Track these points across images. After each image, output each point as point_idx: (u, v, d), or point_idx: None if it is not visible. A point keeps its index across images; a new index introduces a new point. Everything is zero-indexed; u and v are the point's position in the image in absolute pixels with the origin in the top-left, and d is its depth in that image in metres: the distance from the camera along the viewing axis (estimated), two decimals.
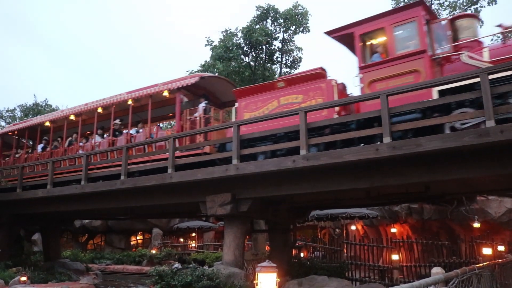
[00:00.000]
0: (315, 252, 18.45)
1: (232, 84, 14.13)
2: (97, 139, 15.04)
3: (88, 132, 16.93)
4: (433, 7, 29.45)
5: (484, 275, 8.99)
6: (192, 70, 29.69)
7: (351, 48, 10.18)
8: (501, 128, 6.65)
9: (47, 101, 45.69)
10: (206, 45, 30.08)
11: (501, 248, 14.98)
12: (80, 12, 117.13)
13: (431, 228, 19.79)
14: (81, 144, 15.52)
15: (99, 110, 14.83)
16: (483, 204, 18.08)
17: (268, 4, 29.40)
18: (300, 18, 29.20)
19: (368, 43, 9.87)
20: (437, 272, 5.78)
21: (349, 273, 15.07)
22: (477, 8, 28.44)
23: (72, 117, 15.66)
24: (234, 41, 28.79)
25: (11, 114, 43.90)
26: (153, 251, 25.34)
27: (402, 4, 29.79)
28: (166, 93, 13.21)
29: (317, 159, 8.40)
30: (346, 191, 10.28)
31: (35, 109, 43.62)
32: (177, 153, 11.28)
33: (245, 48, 28.46)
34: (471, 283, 7.75)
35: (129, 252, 26.34)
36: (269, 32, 28.80)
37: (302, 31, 29.47)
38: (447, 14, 29.47)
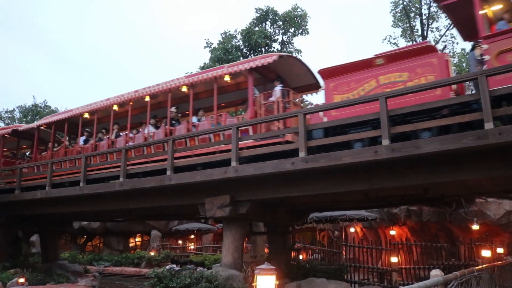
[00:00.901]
0: (314, 255, 18.46)
1: (307, 67, 12.15)
2: (150, 129, 13.46)
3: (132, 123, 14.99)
4: (432, 9, 29.47)
5: (483, 278, 8.99)
6: (191, 72, 29.67)
7: (462, 18, 9.08)
8: (499, 130, 6.67)
9: (46, 102, 45.71)
10: (205, 47, 30.11)
11: (500, 250, 15.00)
12: (81, 13, 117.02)
13: (430, 230, 19.79)
14: (131, 135, 13.98)
15: (147, 98, 13.38)
16: (482, 206, 18.08)
17: (267, 6, 29.44)
18: (299, 20, 29.22)
19: (491, 8, 8.82)
20: (436, 274, 5.78)
21: (348, 276, 15.07)
22: None
23: (115, 107, 14.26)
24: (233, 43, 28.80)
25: (10, 115, 43.86)
26: (152, 253, 25.31)
27: (400, 7, 29.97)
28: (229, 78, 11.76)
29: (316, 161, 8.40)
30: (345, 193, 10.27)
31: (34, 110, 43.61)
32: (249, 143, 10.30)
33: (244, 50, 28.46)
34: (470, 286, 7.75)
35: (128, 254, 26.31)
36: (268, 34, 28.81)
37: (301, 33, 29.49)
38: (445, 17, 29.52)
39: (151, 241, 28.47)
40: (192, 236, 29.35)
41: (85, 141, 15.39)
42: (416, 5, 29.78)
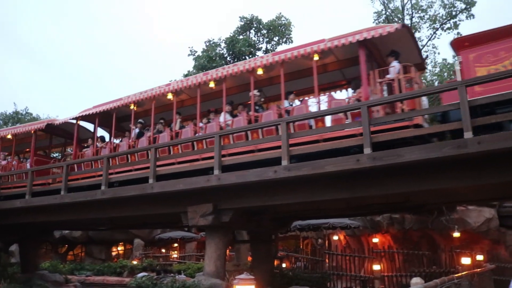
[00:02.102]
0: (297, 263, 18.46)
1: (416, 43, 10.39)
2: (227, 117, 11.55)
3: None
4: (414, 19, 29.99)
5: (463, 285, 9.12)
6: (175, 79, 29.64)
7: None
8: (478, 139, 6.77)
9: (27, 109, 45.15)
10: (189, 54, 30.16)
11: (479, 257, 15.18)
12: (63, 21, 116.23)
13: (412, 238, 19.94)
14: (201, 125, 12.03)
15: (212, 84, 11.78)
16: (463, 214, 18.31)
17: (252, 15, 29.63)
18: (283, 29, 29.47)
19: None
20: (416, 282, 5.87)
21: (331, 284, 15.12)
22: (456, 22, 29.06)
23: (169, 96, 12.58)
24: (217, 51, 28.89)
25: None
26: (134, 262, 25.02)
27: (383, 17, 30.38)
28: (317, 57, 10.10)
29: (299, 170, 8.42)
30: (328, 202, 10.30)
31: (15, 117, 43.02)
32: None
33: (228, 58, 28.54)
34: None
35: (110, 263, 25.95)
36: (252, 42, 28.96)
37: (285, 42, 29.73)
38: (427, 27, 30.04)
39: (134, 249, 28.17)
40: (176, 245, 29.11)
41: (139, 134, 13.49)
42: (399, 15, 30.23)
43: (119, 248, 31.15)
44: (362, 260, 17.35)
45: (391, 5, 31.18)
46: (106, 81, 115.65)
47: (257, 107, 11.10)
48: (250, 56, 28.17)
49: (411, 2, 30.47)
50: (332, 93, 11.49)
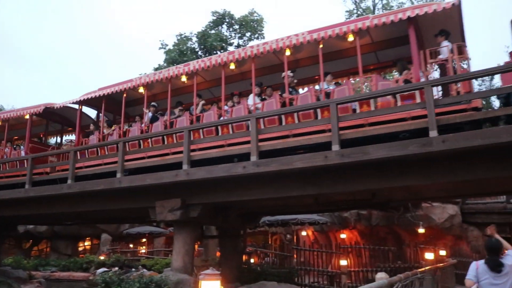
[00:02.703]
0: (266, 258, 18.55)
1: (462, 24, 9.30)
2: (256, 100, 10.48)
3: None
4: None
5: (426, 279, 9.34)
6: (145, 73, 29.30)
7: None
8: (443, 138, 6.92)
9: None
10: (160, 48, 29.84)
11: (442, 252, 15.57)
12: (38, 13, 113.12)
13: (379, 234, 20.32)
14: (226, 108, 10.93)
15: (234, 65, 10.87)
16: (427, 211, 18.76)
17: (224, 9, 29.50)
18: (255, 25, 29.44)
19: None
20: (381, 277, 5.96)
21: (298, 279, 15.23)
22: None
23: (183, 78, 11.66)
24: (188, 45, 28.66)
25: None
26: (102, 257, 24.68)
27: (355, 16, 30.72)
28: (352, 37, 9.41)
29: (267, 166, 8.45)
30: (296, 197, 10.38)
31: None
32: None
33: (199, 53, 28.36)
34: (414, 287, 8.03)
35: (76, 259, 25.50)
36: (224, 37, 28.85)
37: (257, 38, 29.71)
38: None
39: (101, 245, 27.77)
40: (144, 240, 28.86)
41: (153, 118, 12.29)
42: (370, 15, 30.66)
43: (86, 243, 30.65)
44: (329, 256, 17.56)
45: (362, 4, 31.60)
46: (76, 72, 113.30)
47: (291, 89, 10.25)
48: (222, 51, 28.08)
49: (381, 2, 30.94)
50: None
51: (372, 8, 30.78)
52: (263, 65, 11.22)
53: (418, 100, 8.08)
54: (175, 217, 10.21)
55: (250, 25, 29.26)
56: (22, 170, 13.43)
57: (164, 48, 29.59)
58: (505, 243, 6.15)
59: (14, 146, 15.97)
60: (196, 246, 18.78)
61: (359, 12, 30.91)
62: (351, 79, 11.22)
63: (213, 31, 28.89)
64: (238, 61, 10.58)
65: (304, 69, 11.24)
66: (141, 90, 12.35)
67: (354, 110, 8.93)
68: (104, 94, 12.53)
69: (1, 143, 15.56)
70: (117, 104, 13.00)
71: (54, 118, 15.57)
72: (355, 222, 20.16)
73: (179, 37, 29.52)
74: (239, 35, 29.68)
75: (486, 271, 5.63)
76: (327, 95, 9.42)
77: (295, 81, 10.97)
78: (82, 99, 13.23)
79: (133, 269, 14.97)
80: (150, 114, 12.36)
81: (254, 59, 10.43)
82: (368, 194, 10.31)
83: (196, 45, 28.79)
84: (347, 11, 31.54)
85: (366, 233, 20.54)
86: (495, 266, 5.59)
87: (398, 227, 19.64)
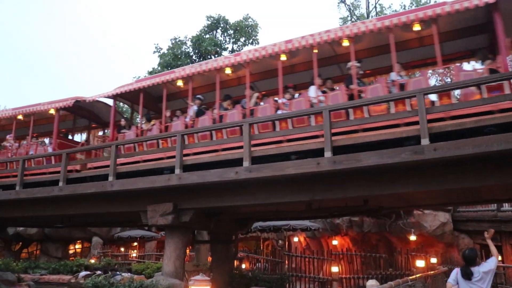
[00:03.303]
0: (257, 264, 18.52)
1: None
2: (318, 93, 9.47)
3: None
4: None
5: (417, 286, 9.36)
6: (139, 77, 29.27)
7: None
8: (434, 146, 6.95)
9: None
10: (154, 52, 29.82)
11: (433, 260, 15.63)
12: (26, 10, 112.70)
13: (370, 241, 20.33)
14: (283, 100, 9.91)
15: (297, 52, 9.92)
16: (419, 218, 18.81)
17: (219, 14, 29.58)
18: (250, 30, 29.52)
19: None
20: (371, 284, 5.99)
21: (290, 285, 15.23)
22: None
23: (228, 70, 10.89)
24: (183, 49, 28.68)
25: None
26: (92, 261, 24.52)
27: (349, 23, 30.88)
28: (419, 27, 8.80)
29: (260, 171, 8.45)
30: (288, 203, 10.39)
31: None
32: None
33: (193, 57, 28.38)
34: None
35: (66, 262, 25.31)
36: (219, 42, 28.90)
37: (252, 43, 29.80)
38: None
39: (92, 248, 27.61)
40: (135, 244, 28.73)
41: (199, 112, 11.34)
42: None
43: (76, 246, 30.44)
44: (321, 262, 17.56)
45: (356, 12, 31.77)
46: (63, 75, 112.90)
47: (358, 81, 9.36)
48: (216, 55, 28.12)
49: (375, 10, 31.13)
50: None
51: (366, 15, 30.95)
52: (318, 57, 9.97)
53: (507, 91, 7.32)
54: (167, 222, 10.16)
55: (245, 31, 29.34)
56: (51, 167, 12.73)
57: (159, 52, 29.60)
58: (493, 250, 6.96)
59: (40, 142, 14.96)
60: (187, 250, 18.71)
61: (353, 20, 31.05)
62: (428, 70, 10.48)
63: (207, 36, 28.94)
64: (291, 52, 9.87)
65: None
66: (180, 83, 11.69)
67: (433, 103, 8.09)
68: (142, 86, 11.85)
69: (25, 139, 14.84)
70: (151, 99, 12.52)
71: (82, 113, 14.76)
72: (347, 228, 20.17)
73: (173, 41, 29.54)
74: (234, 40, 29.74)
75: (460, 277, 6.56)
76: (401, 86, 8.64)
77: (361, 71, 9.81)
78: (116, 92, 12.38)
79: (118, 273, 14.88)
80: (195, 108, 11.38)
81: (309, 51, 9.70)
82: (360, 201, 10.33)
83: (190, 49, 28.82)
84: (341, 18, 31.68)
85: (357, 240, 20.56)
86: (465, 274, 6.48)
87: (389, 234, 19.67)
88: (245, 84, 10.59)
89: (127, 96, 12.78)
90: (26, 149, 14.10)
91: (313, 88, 9.59)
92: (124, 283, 9.83)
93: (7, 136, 14.57)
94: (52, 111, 13.65)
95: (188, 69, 11.24)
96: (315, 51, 9.50)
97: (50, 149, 13.71)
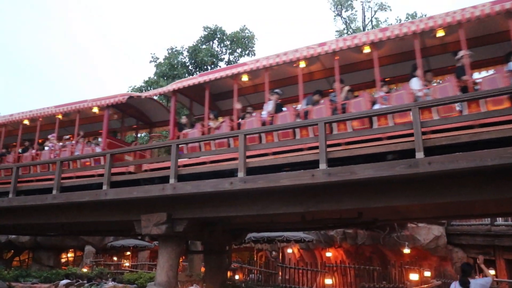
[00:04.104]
0: (251, 275, 18.43)
1: None
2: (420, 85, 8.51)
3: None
4: None
5: None
6: (135, 86, 29.28)
7: None
8: (429, 160, 6.97)
9: None
10: (150, 61, 29.89)
11: (427, 273, 15.60)
12: (29, 18, 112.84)
13: (364, 253, 20.31)
14: (380, 94, 8.91)
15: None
16: (413, 231, 18.82)
17: (216, 25, 29.69)
18: (246, 42, 29.66)
19: None
20: None
21: None
22: None
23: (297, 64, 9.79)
24: (179, 59, 28.75)
25: None
26: (84, 270, 24.36)
27: (345, 35, 31.11)
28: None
29: (255, 182, 8.44)
30: (282, 215, 10.35)
31: None
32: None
33: (190, 67, 28.45)
34: None
35: (58, 270, 25.13)
36: (215, 53, 29.01)
37: (248, 54, 29.93)
38: None
39: (85, 257, 27.44)
40: (128, 253, 28.56)
41: (278, 107, 10.26)
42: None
43: (69, 255, 30.25)
44: (314, 274, 17.50)
45: (352, 25, 31.99)
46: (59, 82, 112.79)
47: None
48: (213, 66, 28.21)
49: (371, 23, 31.38)
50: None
51: (362, 28, 31.18)
52: (402, 50, 9.58)
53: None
54: (160, 231, 10.12)
55: (241, 42, 29.47)
56: (100, 168, 11.63)
57: (155, 62, 29.65)
58: (487, 273, 8.33)
59: (88, 142, 13.87)
60: (180, 261, 18.61)
61: (349, 32, 31.26)
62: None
63: (204, 46, 29.03)
64: (374, 43, 8.97)
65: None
66: (245, 78, 10.83)
67: (461, 112, 7.95)
68: (209, 79, 10.88)
69: (70, 139, 14.03)
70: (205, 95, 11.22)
71: (130, 111, 13.73)
72: (341, 240, 20.14)
73: (170, 51, 29.62)
74: (230, 51, 29.85)
75: (459, 287, 7.83)
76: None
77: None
78: (178, 87, 11.38)
79: (103, 281, 14.79)
80: (272, 103, 10.20)
81: (392, 42, 9.08)
82: (355, 213, 10.33)
83: (187, 60, 28.89)
84: (337, 31, 31.88)
85: (351, 252, 20.53)
86: (463, 284, 7.77)
87: (383, 246, 19.66)
88: (326, 78, 10.34)
89: (187, 92, 11.73)
90: (71, 150, 13.06)
91: (416, 80, 8.70)
92: None
93: (49, 136, 13.90)
94: (95, 110, 12.78)
95: (265, 61, 10.13)
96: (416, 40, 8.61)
97: (98, 150, 12.58)
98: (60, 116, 13.37)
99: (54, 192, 11.52)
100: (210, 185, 8.98)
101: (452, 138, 7.37)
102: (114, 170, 11.00)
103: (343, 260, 19.17)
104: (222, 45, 29.88)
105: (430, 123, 7.67)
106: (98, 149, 12.52)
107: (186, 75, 27.89)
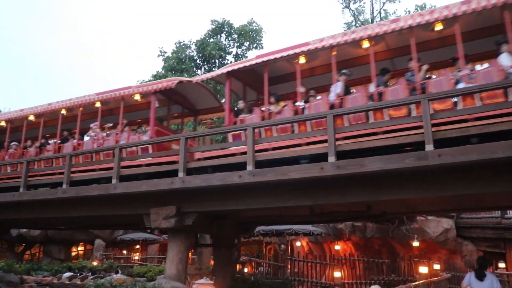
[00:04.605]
0: (260, 268, 18.47)
1: None
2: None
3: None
4: None
5: None
6: (143, 81, 29.33)
7: None
8: (439, 152, 6.93)
9: None
10: (159, 55, 29.92)
11: (436, 266, 15.55)
12: (32, 15, 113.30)
13: (373, 246, 20.28)
14: (464, 72, 8.17)
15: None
16: (422, 224, 18.75)
17: (223, 18, 29.63)
18: (254, 35, 29.58)
19: None
20: None
21: None
22: None
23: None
24: (187, 53, 28.75)
25: None
26: (94, 263, 24.56)
27: (353, 28, 30.92)
28: None
29: (263, 175, 8.44)
30: (291, 208, 10.36)
31: None
32: None
33: (198, 61, 28.44)
34: None
35: (69, 264, 25.38)
36: (223, 46, 28.97)
37: (256, 48, 29.84)
38: None
39: (95, 250, 27.64)
40: (137, 246, 28.73)
41: (347, 90, 9.54)
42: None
43: (79, 249, 30.51)
44: (323, 267, 17.50)
45: (361, 17, 31.78)
46: (75, 80, 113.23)
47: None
48: (220, 59, 28.17)
49: (380, 15, 31.15)
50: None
51: (370, 20, 30.97)
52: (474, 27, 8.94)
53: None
54: (170, 225, 10.16)
55: (249, 35, 29.38)
56: (148, 157, 11.15)
57: (163, 56, 29.66)
58: None
59: (134, 130, 13.17)
60: (190, 254, 18.70)
61: (357, 25, 31.07)
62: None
63: (212, 40, 28.98)
64: (445, 19, 8.41)
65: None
66: (302, 60, 9.99)
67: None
68: (267, 60, 10.10)
69: (115, 127, 13.30)
70: (259, 79, 10.75)
71: (175, 98, 12.94)
72: (349, 233, 20.12)
73: (178, 45, 29.61)
74: (238, 44, 29.77)
75: (474, 278, 8.48)
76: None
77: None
78: (233, 68, 10.68)
79: (107, 274, 14.91)
80: (341, 84, 9.46)
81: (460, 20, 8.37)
82: (364, 206, 10.30)
83: (194, 53, 28.87)
84: (345, 23, 31.70)
85: (360, 245, 20.50)
86: (479, 276, 8.44)
87: (392, 239, 19.61)
88: (390, 59, 9.85)
89: (241, 75, 11.01)
90: (116, 138, 12.34)
91: (506, 55, 7.92)
92: (126, 285, 9.82)
93: (91, 125, 13.17)
94: (137, 97, 12.16)
95: (332, 40, 9.38)
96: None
97: (146, 138, 11.81)
98: (99, 104, 12.71)
99: (64, 186, 11.59)
100: (219, 178, 9.00)
101: (462, 130, 7.31)
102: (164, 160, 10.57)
103: (352, 253, 19.15)
104: (229, 39, 29.83)
105: (439, 115, 7.61)
106: (145, 138, 11.81)
107: (194, 68, 27.92)
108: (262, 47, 29.67)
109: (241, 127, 9.71)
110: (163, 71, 28.10)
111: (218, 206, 9.92)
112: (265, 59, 10.14)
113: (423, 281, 10.35)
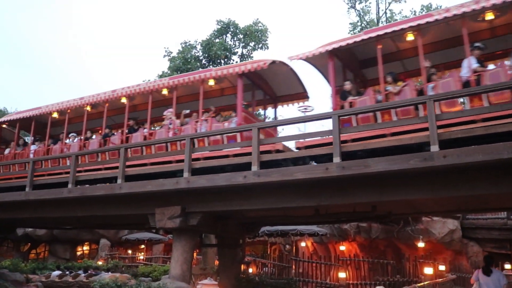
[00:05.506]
0: (264, 268, 18.48)
1: None
2: None
3: None
4: None
5: None
6: (149, 80, 29.39)
7: None
8: (444, 153, 6.91)
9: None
10: (164, 55, 29.92)
11: (442, 267, 15.50)
12: (35, 11, 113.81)
13: (378, 247, 20.24)
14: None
15: None
16: (427, 225, 18.70)
17: (229, 19, 29.62)
18: (259, 35, 29.52)
19: None
20: None
21: None
22: None
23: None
24: (192, 53, 28.76)
25: None
26: (100, 263, 24.64)
27: (359, 28, 30.86)
28: None
29: (268, 176, 8.45)
30: (296, 208, 10.36)
31: None
32: None
33: (203, 61, 28.46)
34: None
35: (74, 263, 25.47)
36: (228, 46, 28.94)
37: (261, 48, 29.78)
38: None
39: (100, 250, 27.75)
40: (142, 246, 28.82)
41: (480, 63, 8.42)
42: (374, 28, 30.78)
43: (84, 248, 30.64)
44: (328, 268, 17.49)
45: (366, 17, 31.72)
46: (75, 80, 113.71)
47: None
48: (226, 60, 28.17)
49: (386, 16, 31.08)
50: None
51: (376, 21, 30.90)
52: None
53: None
54: (175, 225, 10.18)
55: (255, 35, 29.34)
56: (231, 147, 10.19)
57: (169, 56, 29.71)
58: None
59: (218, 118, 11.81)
60: (194, 254, 18.73)
61: (363, 25, 31.01)
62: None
63: (217, 40, 28.99)
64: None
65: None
66: (410, 37, 8.98)
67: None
68: (384, 33, 9.03)
69: (191, 115, 12.07)
70: (354, 61, 10.12)
71: (259, 82, 11.66)
72: (354, 234, 20.10)
73: (183, 45, 29.63)
74: (243, 44, 29.76)
75: (482, 274, 9.74)
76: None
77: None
78: (337, 46, 9.38)
79: (100, 272, 14.95)
80: (474, 60, 8.35)
81: None
82: (369, 207, 10.28)
83: (200, 53, 28.90)
84: (351, 23, 31.63)
85: (365, 246, 20.47)
86: (486, 272, 9.68)
87: (397, 240, 19.57)
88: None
89: (342, 54, 9.86)
90: (194, 127, 11.37)
91: None
92: (131, 285, 9.85)
93: (165, 112, 12.08)
94: (212, 82, 11.37)
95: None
96: None
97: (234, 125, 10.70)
98: (165, 92, 11.94)
99: (69, 186, 11.61)
100: (224, 178, 9.01)
101: (467, 131, 7.29)
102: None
103: (357, 253, 19.13)
104: (235, 39, 29.80)
105: (445, 116, 7.59)
106: (233, 125, 10.68)
107: (200, 68, 27.93)
108: (268, 47, 29.66)
109: (242, 127, 9.71)
110: (168, 71, 28.13)
111: (223, 206, 9.93)
112: (381, 32, 9.06)
113: (428, 282, 10.34)
